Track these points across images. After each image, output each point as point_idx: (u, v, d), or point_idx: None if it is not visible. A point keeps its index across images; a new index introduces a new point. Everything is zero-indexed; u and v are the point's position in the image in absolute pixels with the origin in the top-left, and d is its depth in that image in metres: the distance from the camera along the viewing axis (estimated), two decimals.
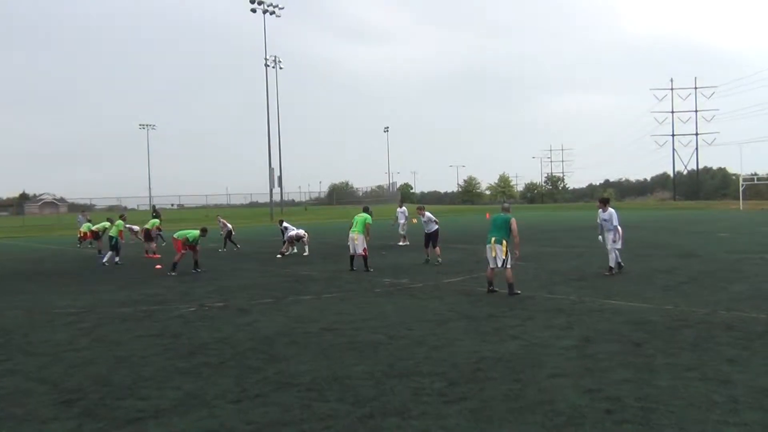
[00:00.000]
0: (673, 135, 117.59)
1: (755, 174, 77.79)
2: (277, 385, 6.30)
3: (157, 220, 25.08)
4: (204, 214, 70.83)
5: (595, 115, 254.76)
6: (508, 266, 11.58)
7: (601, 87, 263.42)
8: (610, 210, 14.07)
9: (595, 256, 18.29)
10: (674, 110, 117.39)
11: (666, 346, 7.43)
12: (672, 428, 4.83)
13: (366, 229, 16.45)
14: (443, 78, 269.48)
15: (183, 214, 78.43)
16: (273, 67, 72.35)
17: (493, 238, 11.72)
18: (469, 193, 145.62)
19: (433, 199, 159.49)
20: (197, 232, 17.57)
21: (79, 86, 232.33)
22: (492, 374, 6.45)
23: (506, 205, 12.84)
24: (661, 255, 18.54)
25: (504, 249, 11.54)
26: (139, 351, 8.05)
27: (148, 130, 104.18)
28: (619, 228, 13.92)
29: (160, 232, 26.51)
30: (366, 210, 17.30)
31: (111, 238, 21.19)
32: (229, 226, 26.15)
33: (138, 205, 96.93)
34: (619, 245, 14.01)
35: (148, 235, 23.91)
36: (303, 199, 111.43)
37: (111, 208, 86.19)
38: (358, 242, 16.30)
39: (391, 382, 6.28)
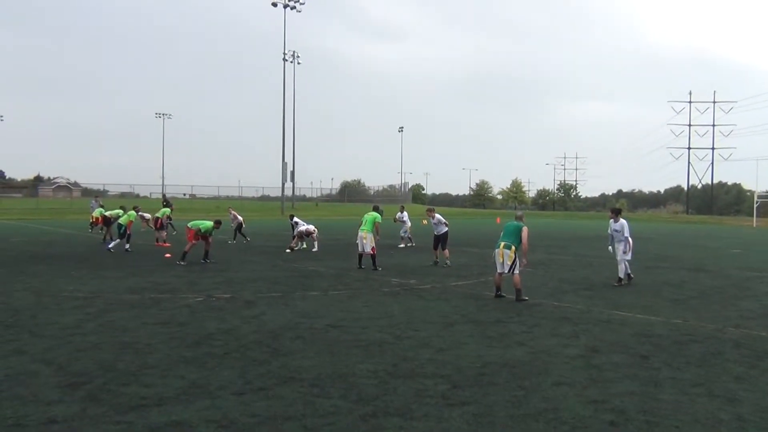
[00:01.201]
0: (689, 148, 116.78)
1: None
2: (281, 379, 6.30)
3: (167, 210, 25.23)
4: (215, 205, 71.15)
5: (611, 124, 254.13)
6: (516, 272, 11.57)
7: (619, 97, 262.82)
8: (622, 221, 14.02)
9: (604, 266, 18.17)
10: (692, 123, 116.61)
11: (673, 360, 7.37)
12: None
13: (375, 228, 16.44)
14: (460, 80, 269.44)
15: (194, 204, 78.72)
16: (291, 62, 72.68)
17: (502, 243, 11.75)
18: (480, 196, 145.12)
19: (445, 201, 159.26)
20: (211, 224, 17.68)
21: (99, 73, 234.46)
22: (496, 379, 6.42)
23: (519, 213, 12.85)
24: (671, 268, 18.42)
25: (512, 255, 11.55)
26: (145, 338, 8.08)
27: (164, 119, 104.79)
28: (629, 239, 13.87)
29: (171, 221, 26.64)
30: (376, 209, 17.24)
31: (120, 226, 21.33)
32: (240, 218, 26.23)
33: (150, 193, 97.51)
34: (629, 257, 13.96)
35: (158, 224, 24.09)
36: (314, 195, 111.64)
37: (123, 195, 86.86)
38: (366, 241, 16.29)
39: (395, 382, 6.27)
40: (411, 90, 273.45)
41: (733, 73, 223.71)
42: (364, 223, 16.64)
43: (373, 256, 16.22)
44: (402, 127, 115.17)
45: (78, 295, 11.62)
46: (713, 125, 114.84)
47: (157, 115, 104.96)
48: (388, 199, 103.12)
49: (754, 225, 64.86)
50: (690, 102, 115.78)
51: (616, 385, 6.28)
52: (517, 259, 11.62)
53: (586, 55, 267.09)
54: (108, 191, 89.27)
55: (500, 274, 11.79)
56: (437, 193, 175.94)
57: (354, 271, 15.94)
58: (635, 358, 7.41)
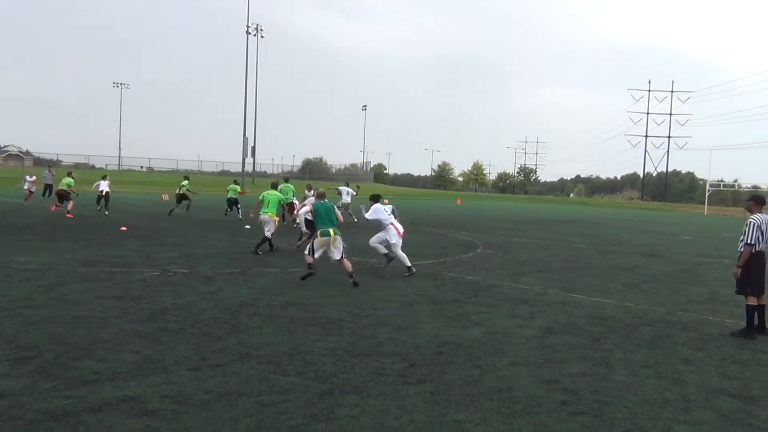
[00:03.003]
0: (646, 136, 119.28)
1: (722, 181, 79.45)
2: (238, 356, 6.25)
3: (71, 180, 24.55)
4: (176, 179, 69.75)
5: (572, 110, 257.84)
6: (345, 256, 11.00)
7: (580, 83, 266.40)
8: (375, 206, 12.60)
9: (561, 249, 18.53)
10: (650, 112, 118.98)
11: (624, 342, 7.56)
12: (625, 423, 4.93)
13: (282, 209, 14.85)
14: (424, 62, 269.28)
15: (152, 177, 77.22)
16: (254, 35, 71.35)
17: (331, 230, 10.87)
18: (442, 178, 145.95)
19: (407, 181, 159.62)
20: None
21: (54, 39, 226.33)
22: (452, 359, 6.49)
23: (321, 191, 12.10)
24: (624, 253, 18.85)
25: (339, 238, 10.95)
26: (99, 312, 7.91)
27: (122, 88, 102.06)
28: (382, 220, 12.51)
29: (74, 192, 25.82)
30: (275, 186, 15.64)
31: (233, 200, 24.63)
32: (105, 188, 25.13)
33: (106, 165, 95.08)
34: (394, 240, 12.38)
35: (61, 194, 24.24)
36: (275, 172, 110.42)
37: (78, 165, 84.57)
38: (271, 225, 14.86)
39: (352, 360, 6.29)
40: (375, 69, 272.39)
41: (690, 65, 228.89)
42: (266, 204, 14.94)
43: (269, 238, 14.87)
44: (365, 106, 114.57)
45: (29, 267, 11.29)
46: (670, 114, 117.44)
47: (115, 85, 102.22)
48: (349, 177, 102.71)
49: (705, 213, 66.96)
50: (649, 90, 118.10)
51: (569, 366, 6.42)
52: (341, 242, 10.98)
53: (549, 41, 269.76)
54: (62, 161, 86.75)
55: (312, 263, 10.95)
56: (399, 173, 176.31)
57: None
58: (588, 340, 7.59)
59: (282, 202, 14.88)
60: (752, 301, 8.06)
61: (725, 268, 15.16)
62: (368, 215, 12.55)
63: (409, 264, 12.24)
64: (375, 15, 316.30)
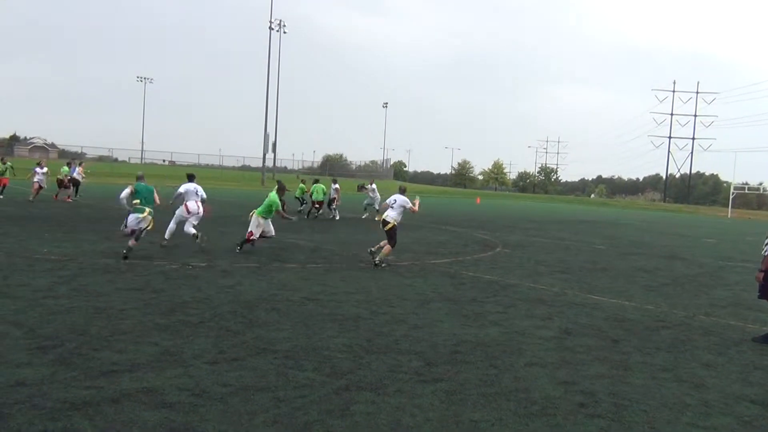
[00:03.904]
0: (670, 137, 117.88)
1: (746, 183, 78.23)
2: (255, 350, 6.29)
3: (67, 168, 27.96)
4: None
5: (595, 110, 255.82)
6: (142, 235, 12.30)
7: (603, 83, 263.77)
8: (186, 183, 14.19)
9: (581, 250, 18.38)
10: (674, 113, 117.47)
11: (643, 345, 7.48)
12: (643, 426, 4.87)
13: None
14: (446, 59, 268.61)
15: (175, 171, 77.73)
16: (277, 31, 71.67)
17: (146, 209, 12.25)
18: (462, 176, 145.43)
19: (426, 179, 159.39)
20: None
21: (81, 34, 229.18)
22: (469, 358, 6.47)
23: (140, 173, 13.31)
24: (646, 255, 18.65)
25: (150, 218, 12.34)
26: (119, 304, 8.00)
27: (145, 83, 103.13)
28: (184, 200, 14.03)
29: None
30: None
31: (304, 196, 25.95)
32: (41, 175, 27.17)
33: (129, 158, 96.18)
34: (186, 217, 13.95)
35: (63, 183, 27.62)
36: (296, 167, 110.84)
37: (102, 158, 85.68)
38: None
39: (369, 357, 6.29)
40: (397, 67, 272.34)
41: (716, 66, 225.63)
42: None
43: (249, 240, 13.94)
44: (386, 103, 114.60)
45: (51, 257, 11.46)
46: (695, 115, 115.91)
47: (139, 79, 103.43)
48: (370, 174, 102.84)
49: (729, 216, 66.04)
50: (673, 91, 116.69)
51: (587, 368, 6.36)
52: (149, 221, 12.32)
53: (574, 41, 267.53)
54: (86, 154, 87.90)
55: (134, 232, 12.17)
56: (419, 170, 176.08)
57: (332, 245, 15.90)
58: (607, 342, 7.51)
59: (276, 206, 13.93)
60: None
61: (748, 272, 14.94)
62: (176, 193, 14.20)
63: (194, 232, 13.72)
64: (397, 13, 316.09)
